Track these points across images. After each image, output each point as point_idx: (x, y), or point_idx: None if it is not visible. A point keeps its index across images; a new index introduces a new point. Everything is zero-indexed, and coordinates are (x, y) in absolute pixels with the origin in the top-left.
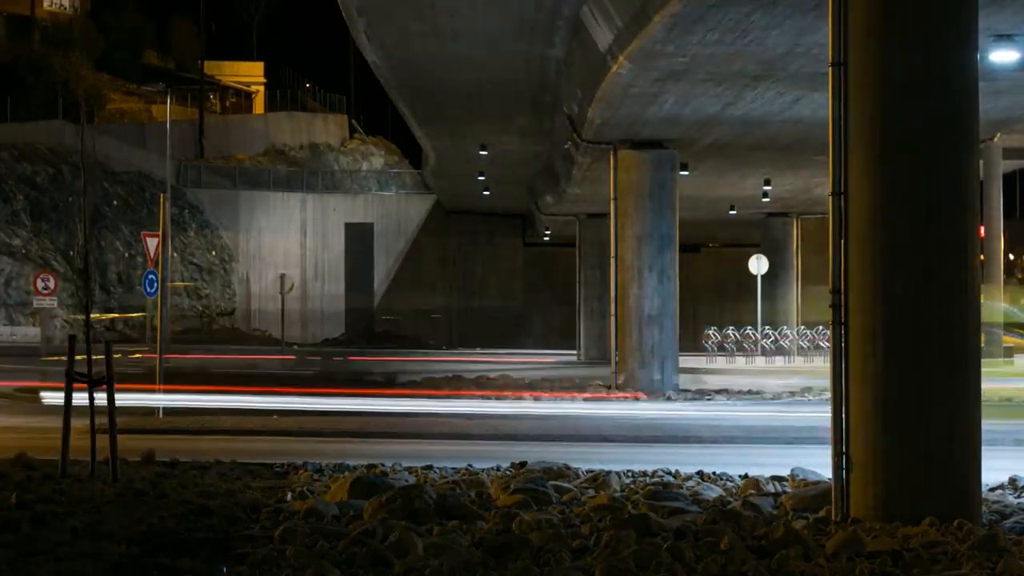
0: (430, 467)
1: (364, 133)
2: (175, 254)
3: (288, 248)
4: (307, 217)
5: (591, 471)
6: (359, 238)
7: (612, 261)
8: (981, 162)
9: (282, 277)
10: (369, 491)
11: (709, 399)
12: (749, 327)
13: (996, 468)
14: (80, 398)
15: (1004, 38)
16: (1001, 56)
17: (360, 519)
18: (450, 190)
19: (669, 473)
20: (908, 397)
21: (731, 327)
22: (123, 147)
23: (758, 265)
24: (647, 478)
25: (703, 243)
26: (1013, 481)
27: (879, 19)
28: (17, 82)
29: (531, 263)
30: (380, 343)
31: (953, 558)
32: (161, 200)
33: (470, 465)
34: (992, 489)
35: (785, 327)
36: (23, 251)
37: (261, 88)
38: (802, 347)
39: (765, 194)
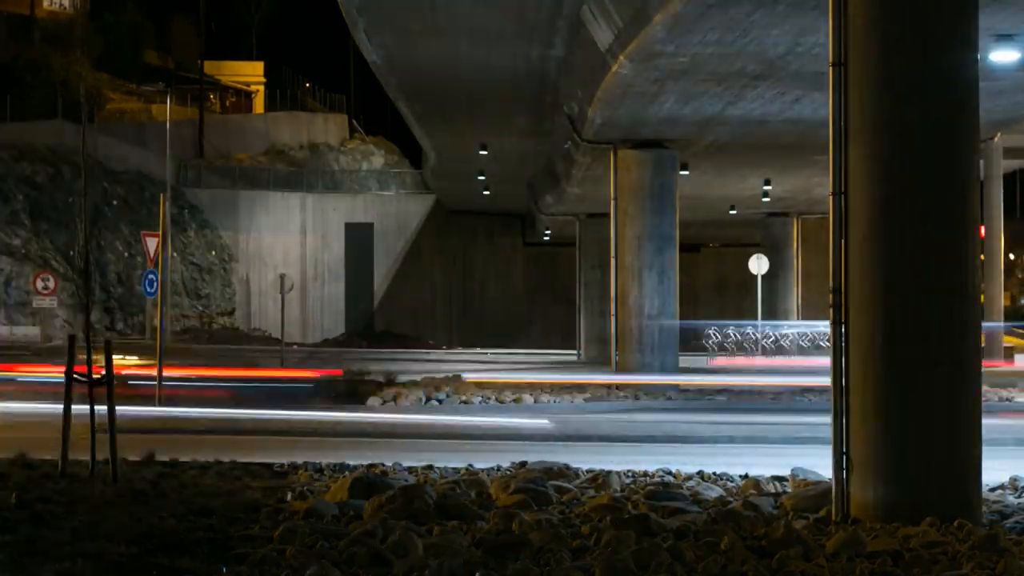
0: (430, 467)
1: (364, 133)
2: (175, 254)
3: (288, 248)
4: (307, 217)
5: (591, 471)
6: (359, 238)
7: (612, 261)
8: (981, 162)
9: (282, 277)
10: (369, 491)
11: (710, 399)
12: (749, 327)
13: (996, 468)
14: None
15: (1004, 38)
16: (1001, 56)
17: (360, 519)
18: (450, 190)
19: (669, 473)
20: (908, 397)
21: (731, 327)
22: (123, 147)
23: (758, 265)
24: (647, 478)
25: (703, 243)
26: (1013, 481)
27: (879, 19)
28: (17, 82)
29: (531, 263)
30: (380, 343)
31: (953, 558)
32: (161, 200)
33: (470, 465)
34: (992, 489)
35: (785, 327)
36: (23, 251)
37: (261, 88)
38: (802, 347)
39: (765, 194)
